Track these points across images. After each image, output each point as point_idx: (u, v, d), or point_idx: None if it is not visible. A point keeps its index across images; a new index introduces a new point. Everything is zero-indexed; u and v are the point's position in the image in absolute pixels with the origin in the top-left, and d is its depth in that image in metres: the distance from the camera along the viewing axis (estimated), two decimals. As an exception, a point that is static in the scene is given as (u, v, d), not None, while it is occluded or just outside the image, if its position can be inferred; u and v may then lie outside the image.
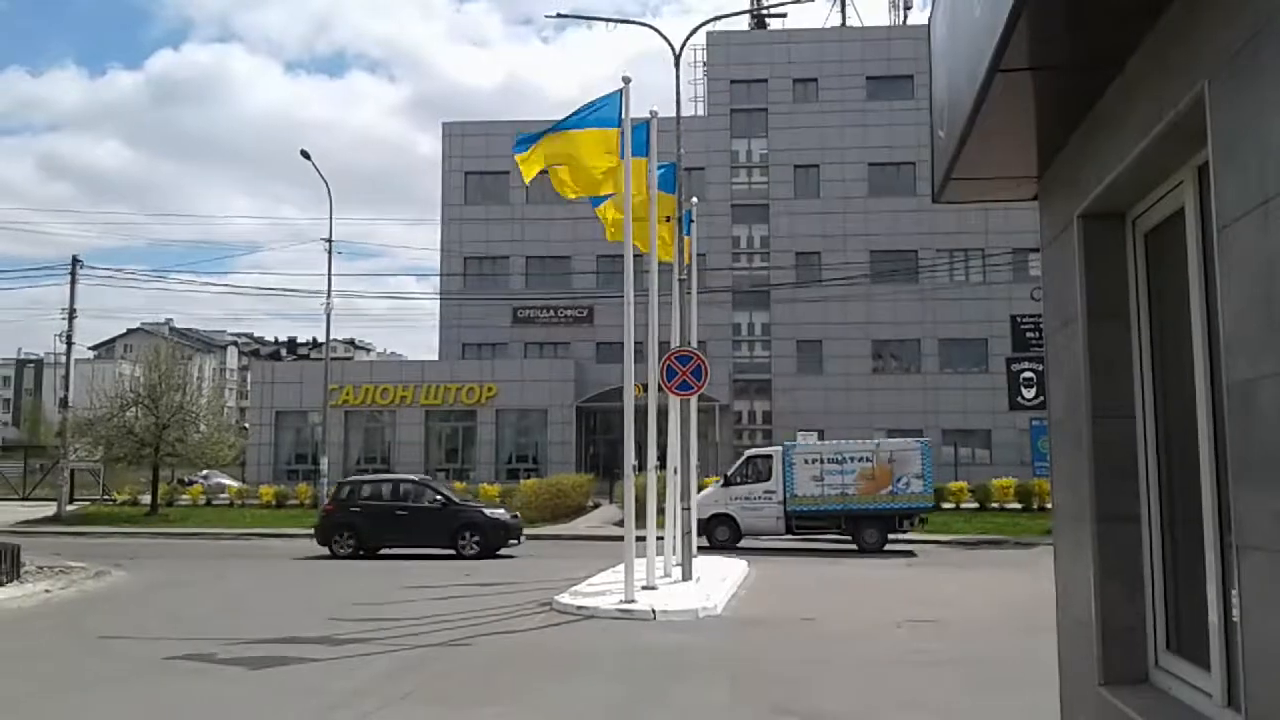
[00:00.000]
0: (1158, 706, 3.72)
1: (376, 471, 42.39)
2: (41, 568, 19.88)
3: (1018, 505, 33.18)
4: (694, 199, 24.00)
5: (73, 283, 38.15)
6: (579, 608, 15.07)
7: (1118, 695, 3.94)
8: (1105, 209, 4.10)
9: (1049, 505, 4.93)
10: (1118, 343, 4.13)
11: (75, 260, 38.31)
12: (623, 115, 16.32)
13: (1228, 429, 2.81)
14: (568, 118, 16.39)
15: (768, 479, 26.50)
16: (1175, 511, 3.88)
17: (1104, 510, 4.14)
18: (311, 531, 27.05)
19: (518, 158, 16.12)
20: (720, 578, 18.15)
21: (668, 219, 19.57)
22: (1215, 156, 2.77)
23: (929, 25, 5.20)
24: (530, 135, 16.44)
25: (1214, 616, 3.34)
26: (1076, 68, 3.59)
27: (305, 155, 35.41)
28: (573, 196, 17.71)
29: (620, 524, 19.03)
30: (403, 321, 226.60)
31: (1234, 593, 2.87)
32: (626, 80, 16.43)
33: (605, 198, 17.64)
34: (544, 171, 16.62)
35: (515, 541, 24.59)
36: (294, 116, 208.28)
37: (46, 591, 17.57)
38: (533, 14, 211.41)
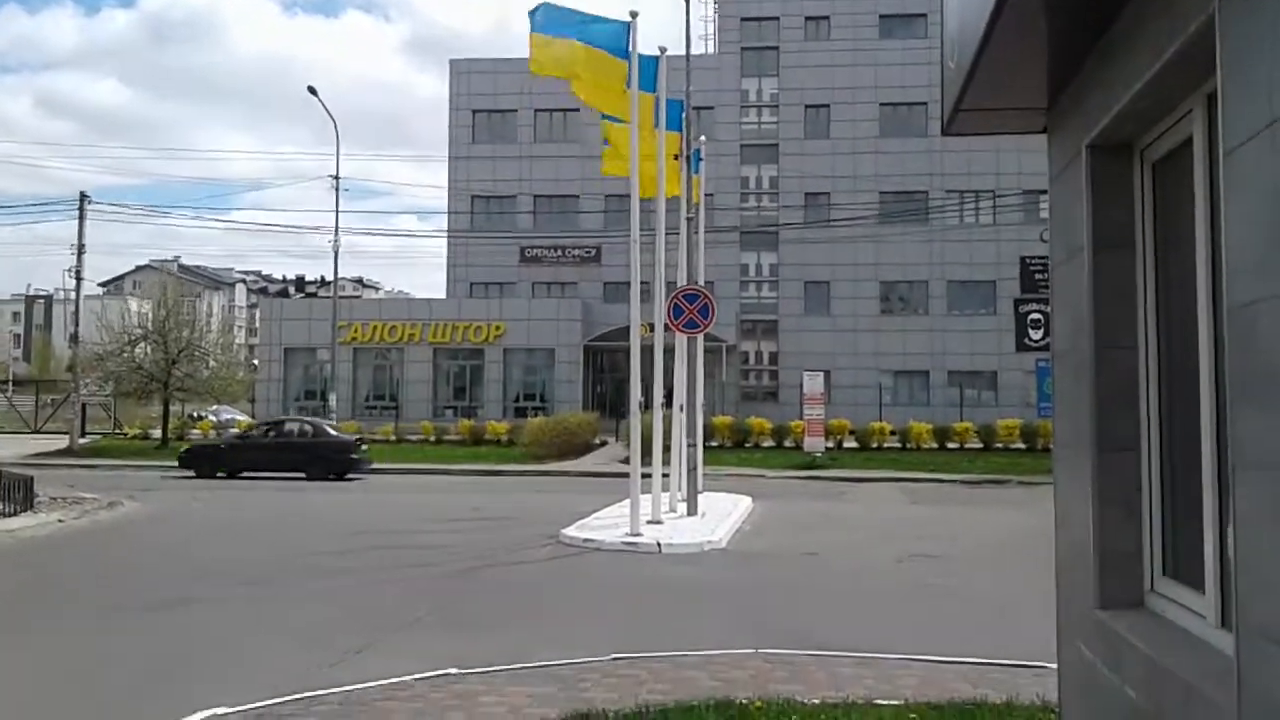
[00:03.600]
0: (1152, 628, 3.80)
1: (385, 409, 43.01)
2: (54, 498, 20.15)
3: (1022, 446, 33.41)
4: (702, 138, 23.83)
5: (81, 218, 38.14)
6: (586, 540, 15.27)
7: (1113, 618, 4.02)
8: (1113, 139, 4.10)
9: (1052, 445, 5.02)
10: (1123, 273, 4.15)
11: (83, 196, 38.29)
12: (630, 50, 16.19)
13: (1228, 352, 2.84)
14: (580, 21, 16.06)
15: None
16: (1174, 440, 3.93)
17: (1104, 439, 4.19)
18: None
19: (531, 36, 15.79)
20: (725, 513, 18.34)
21: (675, 157, 19.49)
22: (1224, 79, 2.77)
23: (942, -47, 5.16)
24: (551, 12, 15.94)
25: (1209, 540, 3.40)
26: (1088, -7, 3.58)
27: (312, 91, 35.23)
28: (591, 104, 17.76)
29: (627, 461, 19.21)
30: (406, 260, 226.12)
31: (1230, 516, 2.92)
32: (634, 15, 16.27)
33: (615, 119, 17.68)
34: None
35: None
36: (291, 56, 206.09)
37: (60, 521, 17.81)
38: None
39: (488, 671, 7.88)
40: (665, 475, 18.26)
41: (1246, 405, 2.70)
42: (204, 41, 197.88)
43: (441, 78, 49.46)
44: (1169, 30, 3.18)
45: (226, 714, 6.81)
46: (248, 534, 17.06)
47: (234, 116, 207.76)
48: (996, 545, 16.03)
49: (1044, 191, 5.44)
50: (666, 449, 18.73)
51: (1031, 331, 28.54)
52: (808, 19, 49.98)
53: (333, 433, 29.86)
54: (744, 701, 6.67)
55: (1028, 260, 29.49)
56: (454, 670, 7.88)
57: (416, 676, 7.71)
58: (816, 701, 6.80)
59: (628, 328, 16.93)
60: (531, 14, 15.78)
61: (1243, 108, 2.67)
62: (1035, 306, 28.04)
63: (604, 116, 18.58)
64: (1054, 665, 5.14)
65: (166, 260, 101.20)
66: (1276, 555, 2.52)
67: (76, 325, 39.17)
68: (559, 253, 50.34)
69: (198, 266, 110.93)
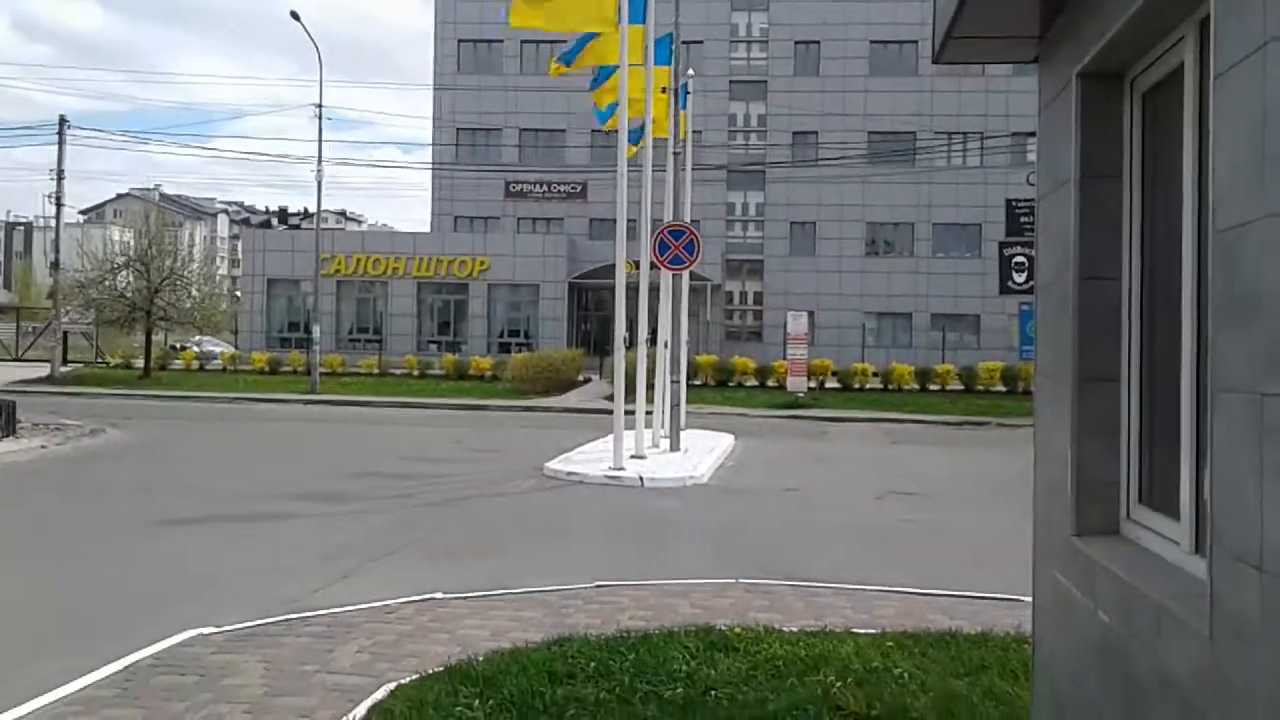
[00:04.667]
0: (1127, 554, 3.87)
1: (369, 343, 43.01)
2: (37, 425, 20.12)
3: (1003, 388, 33.67)
4: (690, 72, 23.58)
5: (60, 143, 37.60)
6: (569, 474, 15.37)
7: (1089, 545, 4.08)
8: (1104, 68, 4.08)
9: (1034, 375, 5.05)
10: (1109, 204, 4.16)
11: (62, 120, 37.71)
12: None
13: (1210, 276, 2.86)
14: None
15: None
16: (1155, 370, 3.97)
17: (1085, 370, 4.22)
18: (304, 398, 27.26)
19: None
20: (707, 450, 18.45)
21: (663, 91, 19.29)
22: (1217, 2, 2.76)
23: (938, -122, 5.08)
24: None
25: (1185, 469, 3.45)
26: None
27: (294, 16, 34.57)
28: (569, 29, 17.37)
29: (610, 398, 19.30)
30: (389, 193, 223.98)
31: (1207, 444, 2.96)
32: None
33: (601, 73, 17.40)
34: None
35: None
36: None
37: (43, 447, 17.81)
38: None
39: (471, 596, 7.98)
40: (648, 412, 18.33)
41: (1227, 328, 2.72)
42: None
43: (427, 5, 49.13)
44: (1165, -47, 3.16)
45: (213, 634, 6.88)
46: (233, 462, 17.10)
47: (214, 42, 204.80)
48: (974, 484, 16.20)
49: (1032, 134, 5.42)
50: (650, 386, 18.78)
51: (1015, 275, 28.59)
52: (799, -47, 49.30)
53: None
54: (724, 628, 6.77)
55: (1013, 203, 29.45)
56: (439, 595, 7.96)
57: (402, 600, 7.79)
58: (795, 629, 6.91)
59: (613, 265, 16.88)
60: None
61: (1235, 30, 2.66)
62: (1020, 250, 28.05)
63: (579, 41, 18.11)
64: (1028, 599, 5.20)
65: (148, 189, 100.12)
66: (1252, 477, 2.56)
67: (57, 252, 38.75)
68: (545, 188, 49.99)
69: (179, 196, 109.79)
